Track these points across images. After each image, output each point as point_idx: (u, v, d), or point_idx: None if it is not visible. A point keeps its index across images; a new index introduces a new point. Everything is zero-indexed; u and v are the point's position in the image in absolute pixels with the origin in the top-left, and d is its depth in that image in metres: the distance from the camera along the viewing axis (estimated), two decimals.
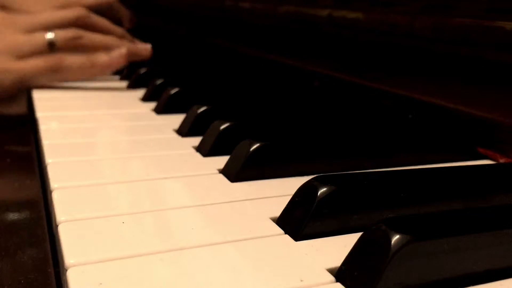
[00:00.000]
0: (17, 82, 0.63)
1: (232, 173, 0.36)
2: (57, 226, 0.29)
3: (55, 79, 0.67)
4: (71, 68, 0.66)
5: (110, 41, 0.72)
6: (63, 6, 0.79)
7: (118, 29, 0.79)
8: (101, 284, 0.23)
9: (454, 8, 0.45)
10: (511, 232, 0.25)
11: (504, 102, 0.42)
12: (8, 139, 0.54)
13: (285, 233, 0.28)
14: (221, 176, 0.37)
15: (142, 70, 0.70)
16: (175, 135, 0.48)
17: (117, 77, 0.78)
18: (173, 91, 0.56)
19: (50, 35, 0.67)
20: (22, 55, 0.64)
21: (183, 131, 0.48)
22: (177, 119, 0.50)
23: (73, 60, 0.66)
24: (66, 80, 0.68)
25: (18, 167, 0.45)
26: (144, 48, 0.75)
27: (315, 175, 0.30)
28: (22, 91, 0.67)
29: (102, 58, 0.68)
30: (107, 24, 0.77)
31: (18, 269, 0.29)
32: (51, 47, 0.66)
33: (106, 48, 0.70)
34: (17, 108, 0.64)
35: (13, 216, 0.36)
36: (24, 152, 0.48)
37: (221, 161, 0.38)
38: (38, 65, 0.64)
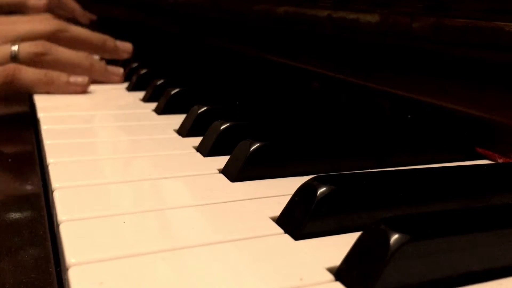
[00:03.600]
0: None
1: (232, 173, 0.37)
2: (58, 225, 0.29)
3: (10, 91, 0.63)
4: (25, 81, 0.63)
5: (78, 59, 0.69)
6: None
7: (99, 38, 0.78)
8: (102, 283, 0.23)
9: (453, 9, 0.45)
10: (510, 232, 0.26)
11: (502, 103, 0.42)
12: (10, 139, 0.54)
13: (285, 232, 0.29)
14: (221, 176, 0.37)
15: (143, 71, 0.71)
16: (176, 135, 0.48)
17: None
18: (174, 91, 0.56)
19: (14, 48, 0.65)
20: None
21: (183, 131, 0.48)
22: (178, 120, 0.51)
23: (29, 73, 0.63)
24: (22, 92, 0.65)
25: (19, 167, 0.45)
26: (115, 72, 0.74)
27: (314, 175, 0.31)
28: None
29: (61, 78, 0.66)
30: (87, 36, 0.76)
31: (19, 269, 0.29)
32: (14, 60, 0.64)
33: (73, 67, 0.68)
34: (18, 109, 0.64)
35: (14, 215, 0.36)
36: (25, 152, 0.48)
37: (221, 161, 0.39)
38: None
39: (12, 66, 0.63)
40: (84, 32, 0.76)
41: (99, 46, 0.78)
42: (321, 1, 0.62)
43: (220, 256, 0.26)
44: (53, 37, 0.70)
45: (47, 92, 0.65)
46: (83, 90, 0.67)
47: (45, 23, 0.72)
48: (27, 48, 0.65)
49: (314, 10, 0.62)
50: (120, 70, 0.75)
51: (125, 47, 0.82)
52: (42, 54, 0.66)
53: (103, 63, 0.74)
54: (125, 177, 0.37)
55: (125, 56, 0.82)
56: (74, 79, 0.67)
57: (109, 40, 0.79)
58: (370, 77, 0.55)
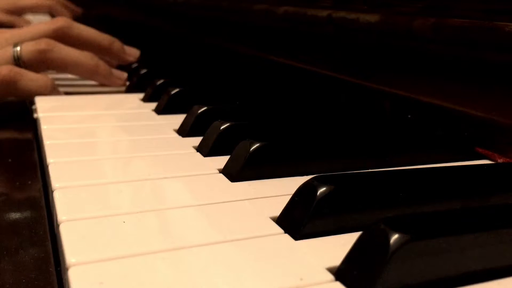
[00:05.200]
0: None
1: (232, 173, 0.37)
2: (58, 225, 0.29)
3: (11, 94, 0.61)
4: (26, 88, 0.60)
5: (84, 58, 0.67)
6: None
7: (106, 39, 0.75)
8: (102, 283, 0.23)
9: (453, 9, 0.45)
10: (510, 232, 0.26)
11: (502, 103, 0.42)
12: (9, 139, 0.54)
13: (285, 232, 0.29)
14: (221, 176, 0.37)
15: (143, 71, 0.71)
16: (176, 135, 0.48)
17: None
18: (174, 91, 0.56)
19: (16, 48, 0.63)
20: None
21: (183, 131, 0.48)
22: (178, 119, 0.51)
23: (32, 80, 0.61)
24: (22, 97, 0.63)
25: (19, 167, 0.45)
26: (120, 76, 0.72)
27: (314, 175, 0.31)
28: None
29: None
30: (93, 35, 0.73)
31: (19, 269, 0.29)
32: (18, 61, 0.62)
33: (78, 66, 0.66)
34: (18, 109, 0.64)
35: (14, 215, 0.36)
36: (25, 152, 0.48)
37: (222, 161, 0.39)
38: None
39: (9, 68, 0.60)
40: (91, 31, 0.74)
41: (106, 47, 0.75)
42: (321, 1, 0.62)
43: (220, 256, 0.26)
44: (57, 35, 0.68)
45: None
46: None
47: (49, 23, 0.70)
48: (30, 47, 0.63)
49: (314, 10, 0.62)
50: (124, 75, 0.74)
51: (132, 51, 0.80)
52: (46, 51, 0.64)
53: (107, 65, 0.72)
54: (125, 177, 0.37)
55: (131, 60, 0.79)
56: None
57: (116, 42, 0.77)
58: (370, 77, 0.55)
